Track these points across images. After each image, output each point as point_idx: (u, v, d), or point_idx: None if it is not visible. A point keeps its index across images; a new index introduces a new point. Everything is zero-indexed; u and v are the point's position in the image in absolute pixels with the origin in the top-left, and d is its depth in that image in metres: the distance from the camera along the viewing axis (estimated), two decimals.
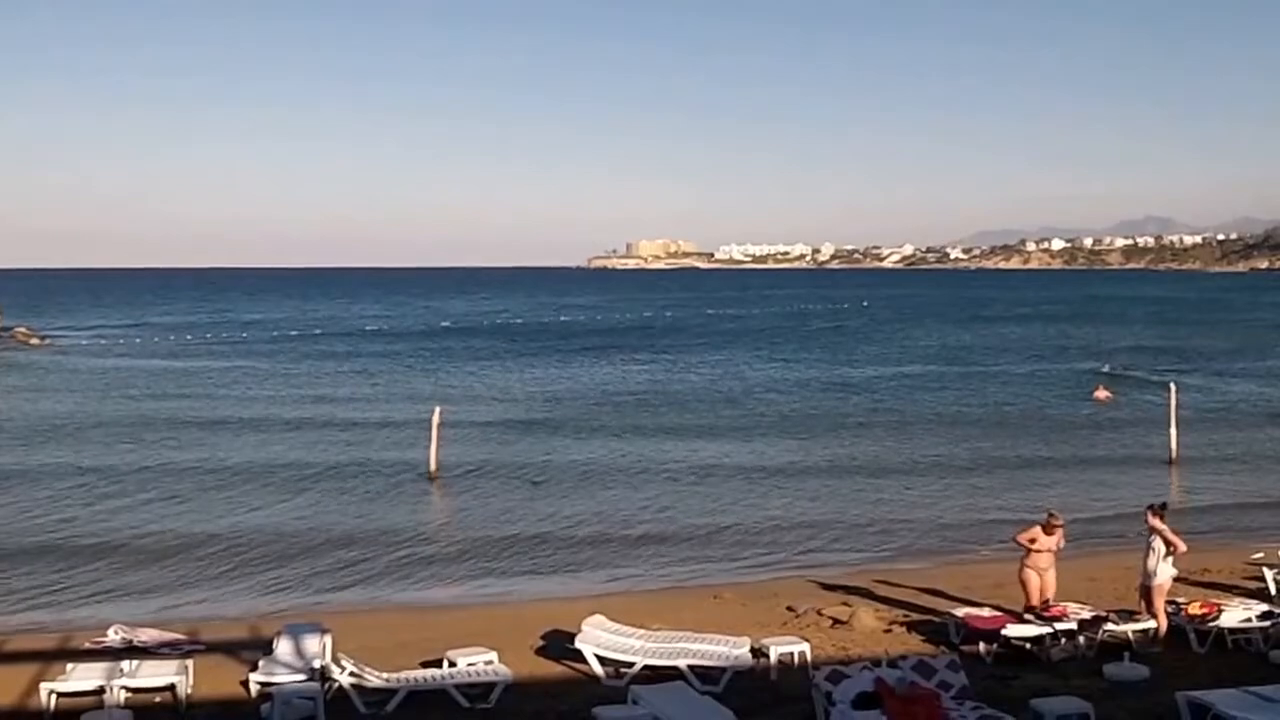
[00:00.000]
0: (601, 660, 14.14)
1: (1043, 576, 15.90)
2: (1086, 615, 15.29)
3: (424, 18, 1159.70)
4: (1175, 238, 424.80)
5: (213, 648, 15.66)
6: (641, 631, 14.99)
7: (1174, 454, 32.01)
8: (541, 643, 15.63)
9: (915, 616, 16.95)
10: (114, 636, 15.71)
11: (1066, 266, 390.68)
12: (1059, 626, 14.92)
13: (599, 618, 14.95)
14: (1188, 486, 29.73)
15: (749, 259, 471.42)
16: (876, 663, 12.74)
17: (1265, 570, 17.96)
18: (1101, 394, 47.28)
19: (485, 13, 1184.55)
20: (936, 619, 16.51)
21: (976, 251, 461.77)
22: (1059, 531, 16.01)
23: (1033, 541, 15.93)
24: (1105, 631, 14.98)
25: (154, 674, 13.53)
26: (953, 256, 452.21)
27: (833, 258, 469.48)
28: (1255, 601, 16.15)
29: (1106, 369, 57.57)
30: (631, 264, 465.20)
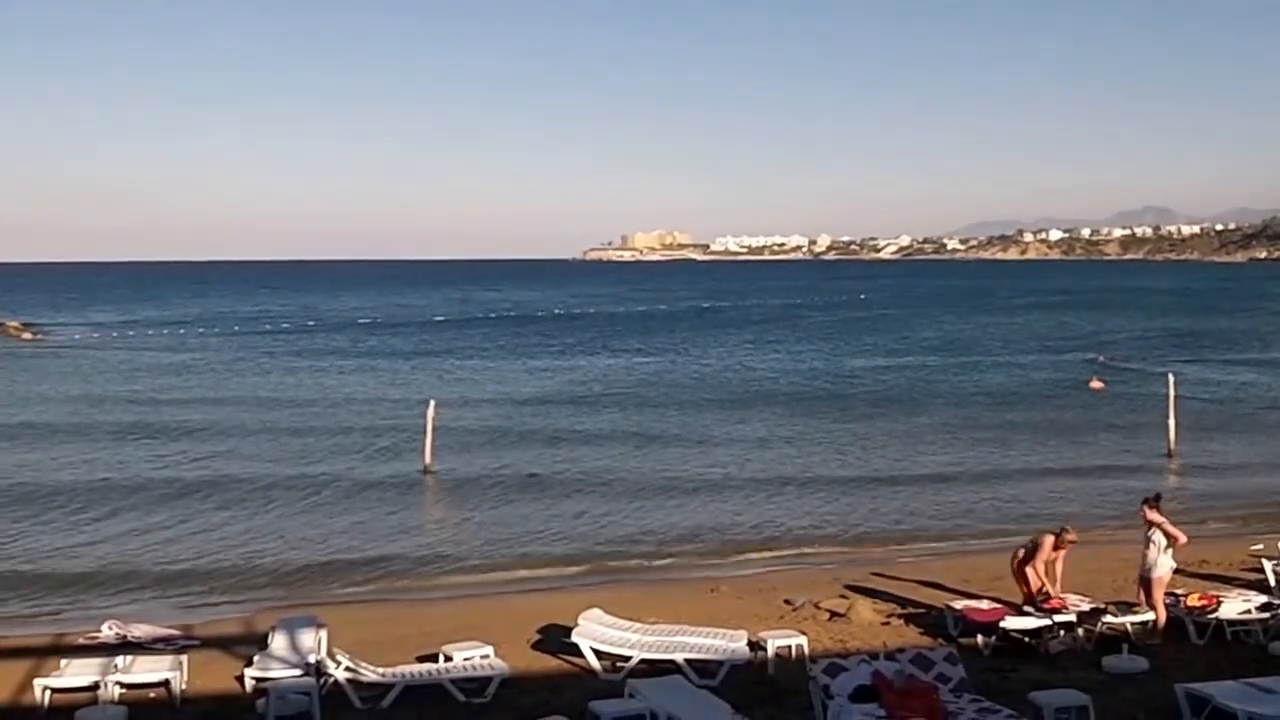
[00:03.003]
0: (598, 654, 14.08)
1: (1038, 576, 15.80)
2: (1085, 607, 15.23)
3: (422, 12, 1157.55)
4: (1173, 228, 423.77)
5: (207, 643, 15.61)
6: (638, 625, 14.93)
7: (1172, 446, 31.96)
8: (538, 637, 15.57)
9: (913, 609, 16.90)
10: (108, 632, 15.66)
11: (1064, 257, 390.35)
12: (1057, 619, 14.87)
13: (596, 611, 14.89)
14: (1187, 477, 29.70)
15: (745, 251, 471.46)
16: (874, 656, 12.66)
17: (1264, 562, 17.89)
18: (1096, 384, 47.60)
19: (483, 6, 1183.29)
20: (934, 612, 16.46)
21: (974, 242, 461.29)
22: (1068, 548, 15.94)
23: (1038, 549, 15.84)
24: (1104, 624, 14.93)
25: (148, 669, 13.46)
26: (950, 247, 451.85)
27: (829, 249, 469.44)
28: (1254, 593, 16.12)
29: (1102, 359, 58.19)
30: (627, 256, 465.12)
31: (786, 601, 17.53)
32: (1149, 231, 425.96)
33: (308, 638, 13.93)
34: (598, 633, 14.36)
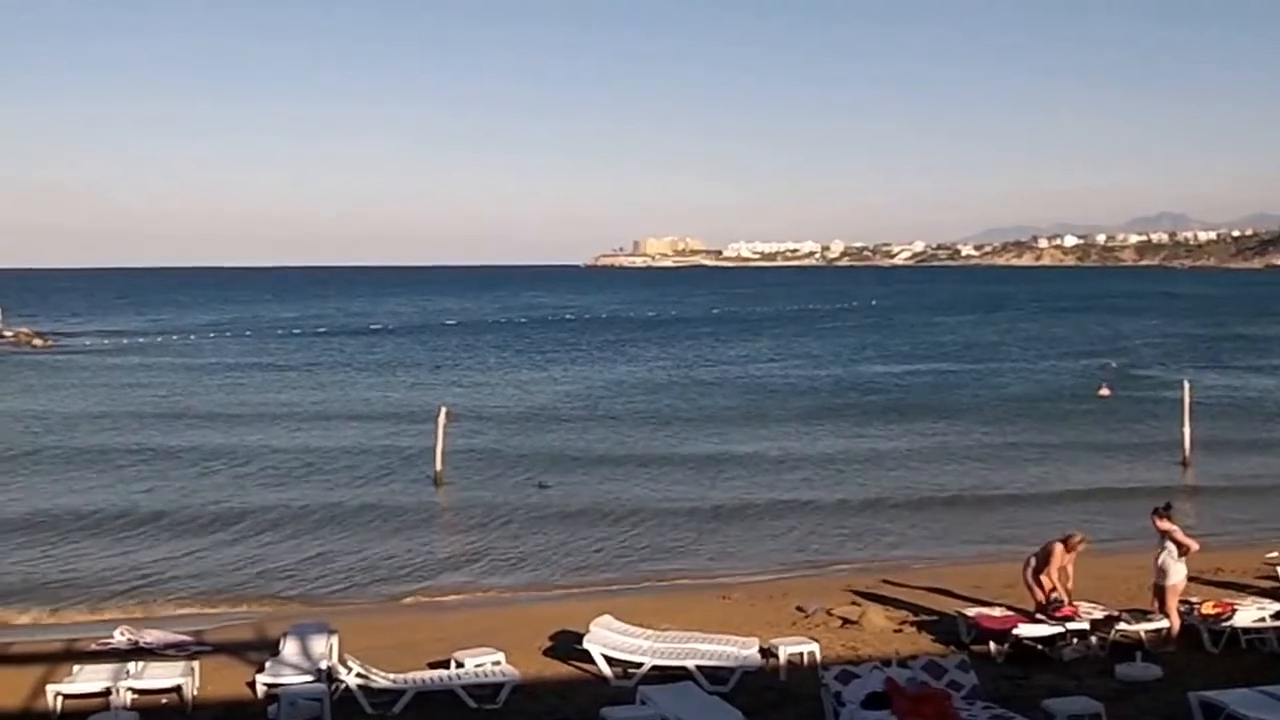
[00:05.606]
0: (609, 661, 14.07)
1: (1052, 583, 15.73)
2: (1099, 615, 15.18)
3: (433, 11, 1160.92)
4: (1189, 234, 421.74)
5: (219, 649, 15.66)
6: (650, 632, 14.92)
7: (1187, 454, 31.78)
8: (549, 643, 15.58)
9: (925, 617, 16.86)
10: (120, 638, 15.72)
11: (1079, 263, 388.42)
12: (1071, 626, 14.81)
13: (607, 618, 14.89)
14: (1201, 486, 29.54)
15: (758, 257, 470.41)
16: (886, 663, 12.65)
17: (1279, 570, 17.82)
18: (1104, 391, 47.56)
19: (493, 6, 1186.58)
20: (947, 619, 16.41)
21: (988, 248, 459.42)
22: (1077, 551, 15.87)
23: (1050, 556, 15.77)
24: (1117, 631, 14.87)
25: (160, 675, 13.51)
26: (964, 253, 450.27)
27: (842, 255, 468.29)
28: (1269, 601, 16.00)
29: (1114, 365, 58.33)
30: (639, 262, 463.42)
31: (799, 608, 17.51)
32: (1165, 237, 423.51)
33: (319, 644, 13.97)
34: (609, 639, 14.35)
